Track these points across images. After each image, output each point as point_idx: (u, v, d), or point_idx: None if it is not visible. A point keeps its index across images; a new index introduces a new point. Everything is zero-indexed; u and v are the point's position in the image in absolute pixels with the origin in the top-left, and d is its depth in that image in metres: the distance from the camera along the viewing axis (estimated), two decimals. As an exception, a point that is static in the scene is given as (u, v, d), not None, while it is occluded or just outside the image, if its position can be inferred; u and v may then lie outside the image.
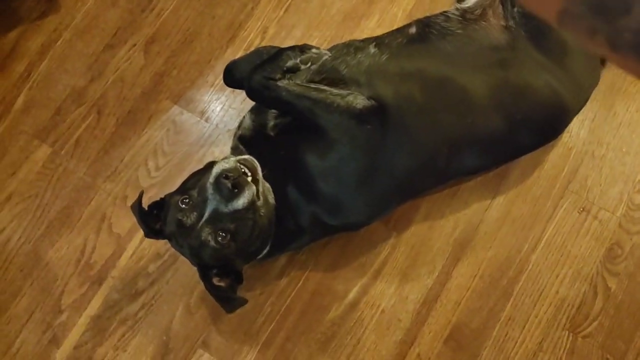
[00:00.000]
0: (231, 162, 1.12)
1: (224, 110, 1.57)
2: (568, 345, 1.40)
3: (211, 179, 1.10)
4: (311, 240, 1.33)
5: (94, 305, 1.47)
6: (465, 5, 1.36)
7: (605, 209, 1.47)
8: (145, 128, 1.57)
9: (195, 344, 1.44)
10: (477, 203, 1.48)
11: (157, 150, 1.55)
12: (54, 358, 1.44)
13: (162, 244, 1.48)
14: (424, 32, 1.31)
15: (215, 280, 1.23)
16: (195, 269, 1.47)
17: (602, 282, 1.44)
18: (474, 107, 1.24)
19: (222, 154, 1.54)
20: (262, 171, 1.18)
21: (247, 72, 1.21)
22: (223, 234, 1.12)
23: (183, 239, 1.17)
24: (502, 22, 1.32)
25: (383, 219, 1.46)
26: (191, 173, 1.23)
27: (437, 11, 1.37)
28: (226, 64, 1.34)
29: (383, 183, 1.22)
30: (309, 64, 1.26)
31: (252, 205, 1.12)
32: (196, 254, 1.18)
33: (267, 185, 1.22)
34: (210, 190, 1.10)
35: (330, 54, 1.28)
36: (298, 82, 1.21)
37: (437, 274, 1.45)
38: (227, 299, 1.23)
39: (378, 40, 1.30)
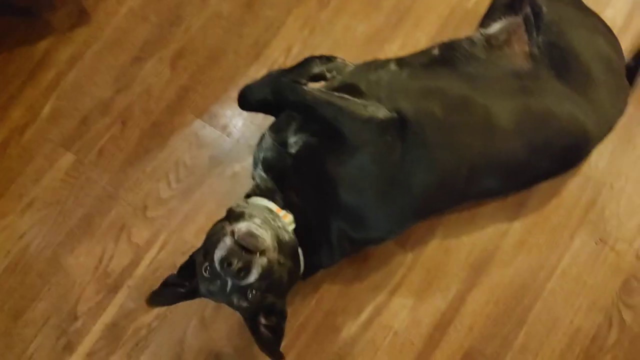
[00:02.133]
0: (227, 244, 1.10)
1: (245, 125, 1.60)
2: (581, 377, 1.40)
3: (217, 265, 1.10)
4: (341, 255, 1.32)
5: (109, 313, 1.49)
6: (490, 31, 1.38)
7: (623, 240, 1.47)
8: (168, 141, 1.59)
9: (208, 357, 1.45)
10: (494, 229, 1.49)
11: (178, 163, 1.58)
12: (68, 364, 1.46)
13: (179, 256, 1.49)
14: (447, 54, 1.32)
15: (263, 321, 1.24)
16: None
17: (618, 315, 1.43)
18: (494, 130, 1.24)
19: (242, 169, 1.56)
20: (290, 193, 1.22)
21: (275, 75, 1.23)
22: (253, 293, 1.13)
23: (219, 299, 1.19)
24: (526, 49, 1.34)
25: (399, 242, 1.47)
26: (213, 224, 1.22)
27: (461, 36, 1.38)
28: (240, 89, 1.33)
29: (401, 197, 1.22)
30: (334, 73, 1.28)
31: (269, 267, 1.12)
32: (234, 308, 1.19)
33: (282, 222, 1.21)
34: (221, 273, 1.11)
35: (354, 66, 1.30)
36: (322, 89, 1.22)
37: (451, 298, 1.45)
38: (271, 351, 1.22)
39: (399, 60, 1.32)
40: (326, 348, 1.44)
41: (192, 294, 1.24)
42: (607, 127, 1.37)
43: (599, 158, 1.52)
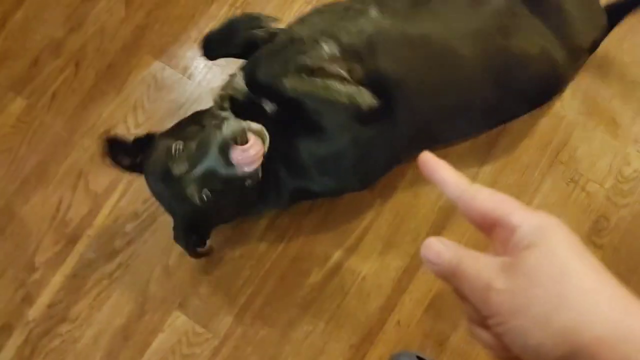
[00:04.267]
0: (242, 126, 1.01)
1: (207, 67, 1.52)
2: (549, 317, 1.39)
3: (219, 139, 1.00)
4: (290, 203, 1.28)
5: (69, 264, 1.44)
6: None
7: (594, 180, 1.45)
8: (126, 83, 1.51)
9: (172, 306, 1.41)
10: (465, 171, 1.45)
11: (137, 106, 1.50)
12: (27, 316, 1.41)
13: (140, 204, 1.44)
14: None
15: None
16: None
17: (587, 255, 1.42)
18: (470, 75, 1.18)
19: (204, 113, 1.49)
20: None
21: (253, 65, 1.13)
22: (208, 194, 1.04)
23: (163, 185, 1.08)
24: None
25: (368, 184, 1.43)
26: (190, 115, 1.18)
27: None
28: (201, 40, 1.23)
29: (379, 157, 1.19)
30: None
31: (249, 175, 1.05)
32: (172, 204, 1.12)
33: None
34: (214, 149, 1.00)
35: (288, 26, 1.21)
36: (304, 75, 1.09)
37: (420, 242, 1.42)
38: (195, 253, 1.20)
39: (379, 2, 1.18)
40: (294, 293, 1.41)
41: (133, 167, 1.18)
42: (579, 62, 1.33)
43: (572, 97, 1.48)
